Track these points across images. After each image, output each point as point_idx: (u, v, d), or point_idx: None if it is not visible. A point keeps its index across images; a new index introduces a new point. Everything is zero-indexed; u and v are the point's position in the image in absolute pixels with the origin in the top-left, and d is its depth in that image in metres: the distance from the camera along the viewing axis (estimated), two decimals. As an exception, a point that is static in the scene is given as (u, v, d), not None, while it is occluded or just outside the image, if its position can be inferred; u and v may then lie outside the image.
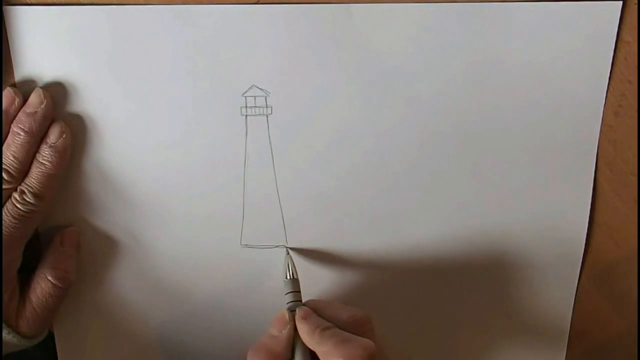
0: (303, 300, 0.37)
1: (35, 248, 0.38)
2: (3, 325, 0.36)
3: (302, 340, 0.34)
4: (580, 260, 0.40)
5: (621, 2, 0.35)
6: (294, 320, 0.35)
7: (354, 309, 0.35)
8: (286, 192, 0.39)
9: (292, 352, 0.34)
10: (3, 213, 0.35)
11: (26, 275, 0.38)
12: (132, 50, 0.36)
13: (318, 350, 0.33)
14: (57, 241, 0.38)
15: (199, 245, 0.40)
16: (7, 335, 0.36)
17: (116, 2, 0.35)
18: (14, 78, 0.36)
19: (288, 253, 0.39)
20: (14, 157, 0.35)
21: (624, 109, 0.38)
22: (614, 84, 0.37)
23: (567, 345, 0.42)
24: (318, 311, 0.35)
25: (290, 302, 0.36)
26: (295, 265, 0.38)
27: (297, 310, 0.35)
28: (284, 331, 0.35)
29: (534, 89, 0.37)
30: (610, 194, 0.39)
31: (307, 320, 0.34)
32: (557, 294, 0.41)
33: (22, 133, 0.35)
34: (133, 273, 0.40)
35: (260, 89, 0.37)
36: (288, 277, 0.37)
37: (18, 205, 0.35)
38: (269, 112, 0.37)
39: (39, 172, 0.35)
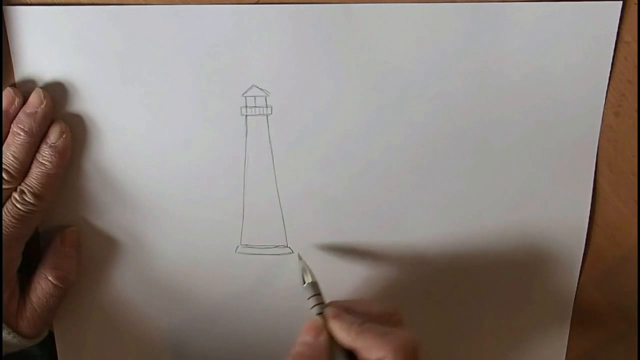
0: (326, 302, 0.35)
1: (35, 248, 0.38)
2: (3, 325, 0.36)
3: (337, 344, 0.33)
4: (580, 260, 0.40)
5: (621, 2, 0.35)
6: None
7: (382, 303, 0.35)
8: (286, 192, 0.39)
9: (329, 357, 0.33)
10: (3, 213, 0.35)
11: (26, 275, 0.38)
12: (132, 50, 0.36)
13: (358, 345, 0.32)
14: (57, 241, 0.38)
15: (198, 244, 0.40)
16: (7, 335, 0.36)
17: (116, 2, 0.35)
18: (14, 78, 0.36)
19: (301, 258, 0.39)
20: (14, 157, 0.35)
21: (624, 109, 0.38)
22: (614, 84, 0.37)
23: (567, 345, 0.42)
24: (346, 310, 0.34)
25: (315, 305, 0.35)
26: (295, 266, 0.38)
27: (326, 311, 0.34)
28: (320, 337, 0.33)
29: (534, 89, 0.37)
30: (610, 194, 0.39)
31: (339, 318, 0.33)
32: (557, 294, 0.41)
33: (22, 133, 0.35)
34: (133, 273, 0.40)
35: (260, 89, 0.37)
36: (307, 282, 0.36)
37: (18, 205, 0.35)
38: (269, 112, 0.37)
39: (39, 172, 0.35)
